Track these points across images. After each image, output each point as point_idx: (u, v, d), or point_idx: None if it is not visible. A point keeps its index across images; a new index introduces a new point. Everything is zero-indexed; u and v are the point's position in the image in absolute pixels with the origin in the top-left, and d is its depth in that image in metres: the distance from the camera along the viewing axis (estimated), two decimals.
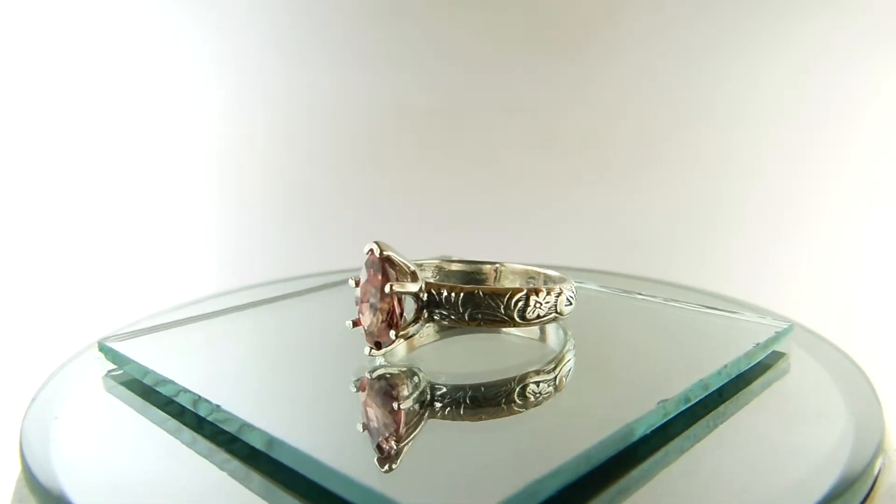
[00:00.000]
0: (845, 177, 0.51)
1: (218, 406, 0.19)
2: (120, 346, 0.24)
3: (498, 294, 0.21)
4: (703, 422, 0.19)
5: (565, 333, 0.25)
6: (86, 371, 0.24)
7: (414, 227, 0.50)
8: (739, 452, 0.18)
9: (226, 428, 0.19)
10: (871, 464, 0.18)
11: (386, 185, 0.50)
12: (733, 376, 0.21)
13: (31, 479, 0.18)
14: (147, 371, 0.22)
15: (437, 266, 0.27)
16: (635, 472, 0.17)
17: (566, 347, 0.24)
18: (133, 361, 0.23)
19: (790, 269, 0.52)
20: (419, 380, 0.21)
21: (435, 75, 0.49)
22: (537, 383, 0.21)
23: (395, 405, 0.19)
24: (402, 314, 0.21)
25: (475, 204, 0.51)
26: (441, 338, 0.24)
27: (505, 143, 0.50)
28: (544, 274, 0.26)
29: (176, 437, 0.19)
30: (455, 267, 0.27)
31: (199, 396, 0.19)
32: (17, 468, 0.19)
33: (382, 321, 0.21)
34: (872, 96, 0.50)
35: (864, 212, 0.52)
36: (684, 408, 0.19)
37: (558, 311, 0.22)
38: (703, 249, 0.52)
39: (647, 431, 0.18)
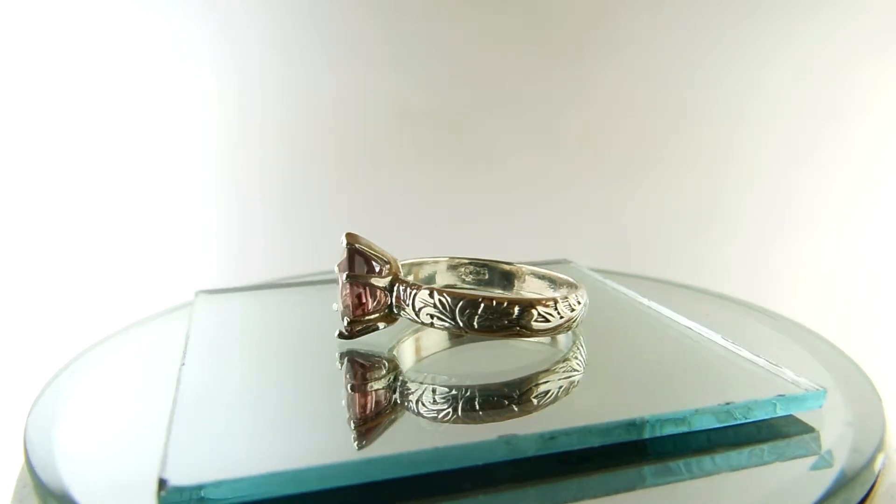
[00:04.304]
0: (845, 176, 0.51)
1: (183, 363, 0.21)
2: (201, 300, 0.28)
3: (458, 297, 0.20)
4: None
5: (574, 345, 0.23)
6: (87, 371, 0.24)
7: (414, 226, 0.50)
8: (738, 451, 0.18)
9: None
10: (871, 463, 0.18)
11: (386, 185, 0.50)
12: (687, 431, 0.18)
13: (33, 476, 0.18)
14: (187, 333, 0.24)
15: (450, 264, 0.27)
16: (645, 469, 0.17)
17: (562, 360, 0.22)
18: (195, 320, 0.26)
19: (790, 269, 0.52)
20: (385, 370, 0.21)
21: (435, 75, 0.49)
22: (495, 396, 0.19)
23: (350, 387, 0.20)
24: (359, 305, 0.22)
25: (475, 203, 0.51)
26: (453, 345, 0.24)
27: (505, 143, 0.50)
28: (559, 280, 0.25)
29: None
30: (469, 267, 0.27)
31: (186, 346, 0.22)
32: (17, 469, 0.19)
33: (345, 309, 0.22)
34: (872, 96, 0.50)
35: (864, 211, 0.52)
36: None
37: (522, 325, 0.20)
38: (703, 249, 0.52)
39: (483, 462, 0.16)
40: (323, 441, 0.17)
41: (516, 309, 0.20)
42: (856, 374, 0.23)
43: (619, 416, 0.17)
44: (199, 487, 0.15)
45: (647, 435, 0.18)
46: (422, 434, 0.18)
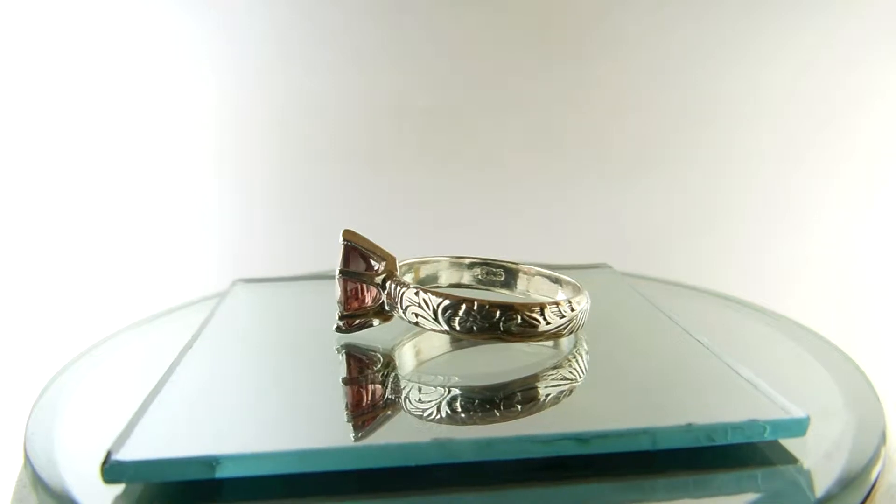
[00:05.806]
0: (846, 176, 0.51)
1: (190, 346, 0.22)
2: (235, 289, 0.28)
3: (441, 298, 0.20)
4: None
5: (572, 351, 0.23)
6: (87, 371, 0.24)
7: (414, 226, 0.50)
8: (738, 451, 0.18)
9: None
10: (871, 464, 0.18)
11: (386, 185, 0.50)
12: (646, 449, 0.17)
13: (33, 476, 0.18)
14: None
15: (455, 263, 0.27)
16: (658, 478, 0.17)
17: (552, 368, 0.21)
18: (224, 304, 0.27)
19: (790, 269, 0.52)
20: (379, 366, 0.21)
21: (435, 75, 0.49)
22: (477, 399, 0.19)
23: (342, 379, 0.21)
24: (355, 300, 0.22)
25: (475, 204, 0.51)
26: (453, 347, 0.23)
27: (505, 143, 0.50)
28: (565, 283, 0.24)
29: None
30: (484, 268, 0.26)
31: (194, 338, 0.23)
32: (17, 469, 0.19)
33: (339, 304, 0.23)
34: (873, 96, 0.50)
35: (864, 211, 0.52)
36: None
37: (506, 329, 0.20)
38: (703, 249, 0.52)
39: (416, 463, 0.16)
40: (275, 432, 0.17)
41: (498, 312, 0.20)
42: (855, 374, 0.23)
43: (567, 430, 0.17)
44: (141, 464, 0.15)
45: (592, 451, 0.17)
46: (399, 432, 0.17)
